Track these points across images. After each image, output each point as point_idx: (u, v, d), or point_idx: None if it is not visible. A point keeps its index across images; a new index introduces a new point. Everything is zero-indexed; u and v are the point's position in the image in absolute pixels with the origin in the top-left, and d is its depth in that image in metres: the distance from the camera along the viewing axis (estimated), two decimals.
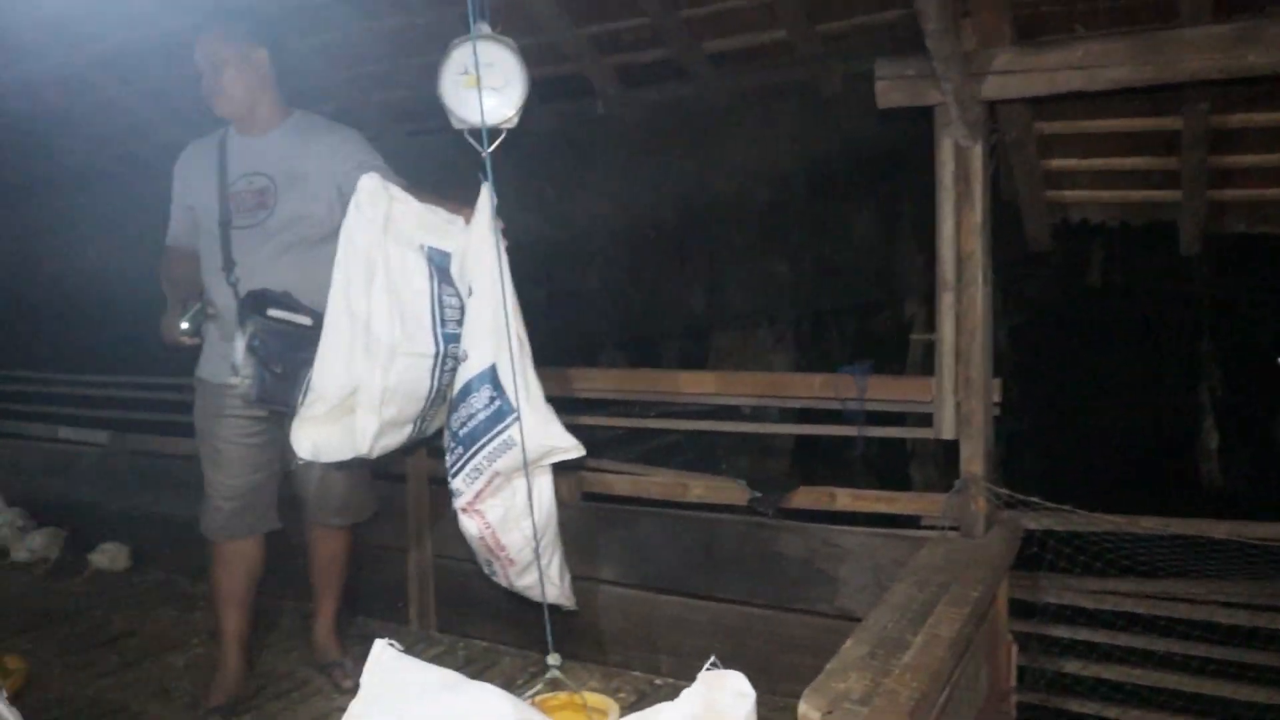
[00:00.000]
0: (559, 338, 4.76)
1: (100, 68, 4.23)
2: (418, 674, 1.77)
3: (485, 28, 2.60)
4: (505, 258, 2.50)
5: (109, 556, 4.29)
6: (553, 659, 2.08)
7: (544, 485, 2.61)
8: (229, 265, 2.74)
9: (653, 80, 3.76)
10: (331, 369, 2.49)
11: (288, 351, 2.57)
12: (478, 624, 3.38)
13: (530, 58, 3.79)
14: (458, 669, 3.12)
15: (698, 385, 3.03)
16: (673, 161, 3.94)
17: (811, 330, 5.43)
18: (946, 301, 2.47)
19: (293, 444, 2.53)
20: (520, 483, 2.57)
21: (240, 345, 2.59)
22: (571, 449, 2.51)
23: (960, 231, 2.43)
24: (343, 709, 2.94)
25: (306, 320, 2.62)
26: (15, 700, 3.05)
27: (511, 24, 3.63)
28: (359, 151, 2.78)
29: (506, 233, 2.54)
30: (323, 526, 3.08)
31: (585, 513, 3.19)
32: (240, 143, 2.83)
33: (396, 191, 2.52)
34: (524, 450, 2.46)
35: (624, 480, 3.19)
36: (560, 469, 3.25)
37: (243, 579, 2.95)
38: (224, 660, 2.97)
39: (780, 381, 2.90)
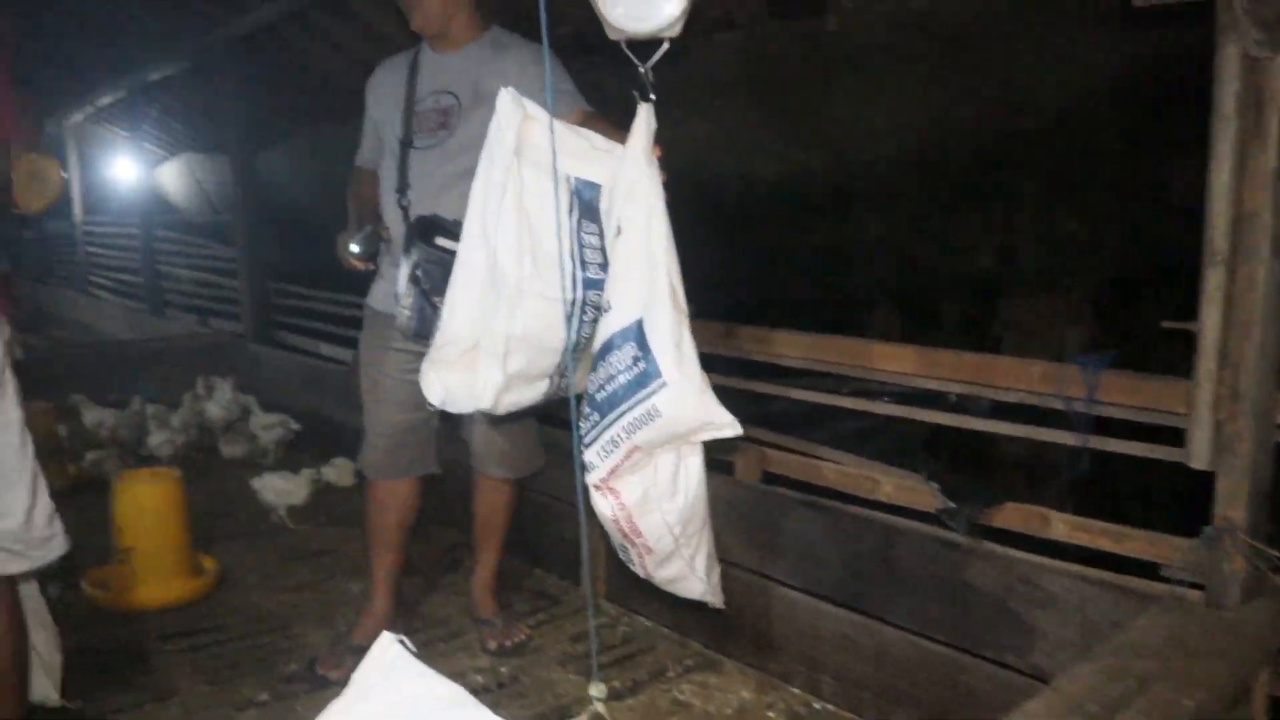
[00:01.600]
0: (820, 292, 4.30)
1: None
2: (421, 684, 1.45)
3: None
4: (661, 192, 2.07)
5: (337, 471, 4.43)
6: (596, 690, 1.71)
7: (692, 465, 2.19)
8: (403, 187, 2.61)
9: None
10: (462, 307, 2.21)
11: None
12: (646, 600, 3.07)
13: None
14: (613, 646, 2.93)
15: (893, 361, 2.49)
16: (923, 87, 3.31)
17: (1118, 300, 4.55)
18: (1213, 281, 1.78)
19: (423, 387, 2.30)
20: (664, 460, 2.16)
21: (404, 274, 2.42)
22: (726, 426, 2.06)
23: (1242, 181, 1.72)
24: (482, 670, 2.87)
25: None
26: (199, 600, 3.23)
27: None
28: (553, 74, 2.46)
29: (665, 162, 2.11)
30: (485, 476, 2.92)
31: (763, 496, 2.77)
32: (431, 59, 2.67)
33: (533, 108, 2.16)
34: (669, 422, 2.04)
35: (808, 465, 2.73)
36: (740, 444, 2.90)
37: (395, 521, 2.84)
38: (371, 601, 2.89)
39: (992, 366, 2.29)
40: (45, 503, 1.98)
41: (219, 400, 5.23)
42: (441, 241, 2.42)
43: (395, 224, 2.60)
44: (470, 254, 2.20)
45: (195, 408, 5.19)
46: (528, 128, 2.16)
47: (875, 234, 4.25)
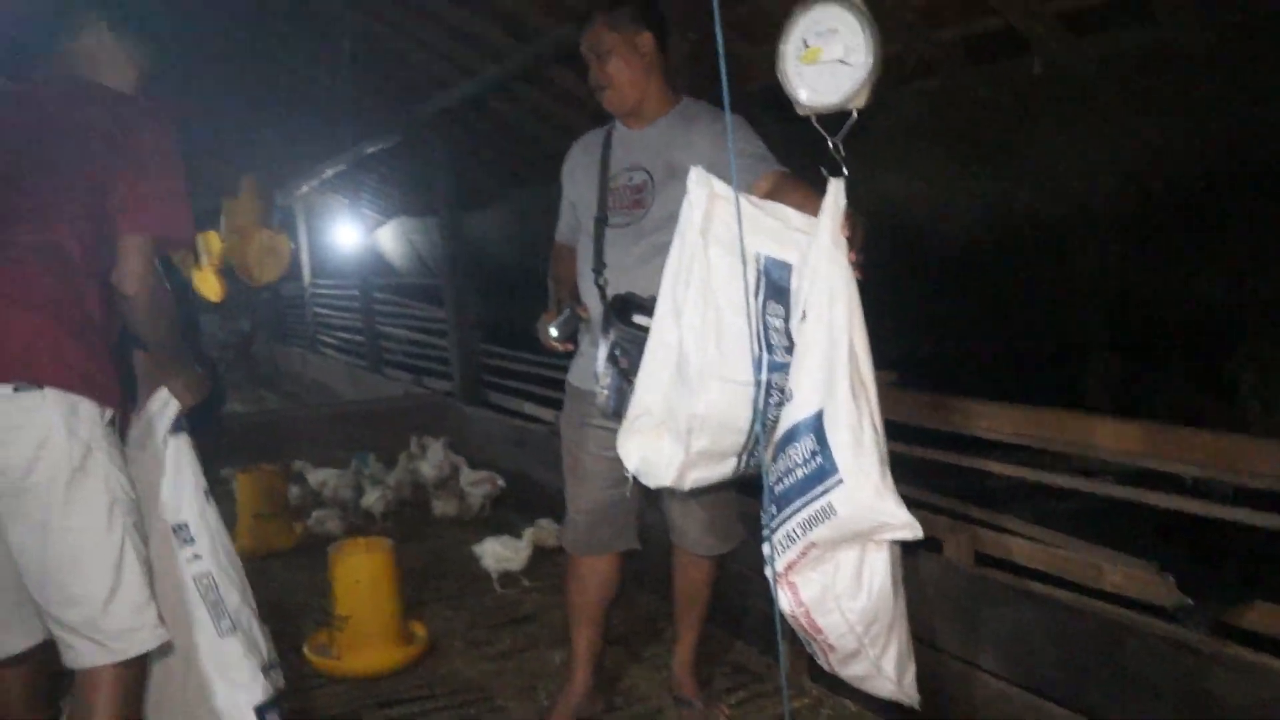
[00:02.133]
0: (1032, 336, 4.06)
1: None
2: None
3: None
4: (847, 275, 1.97)
5: (545, 533, 4.51)
6: None
7: (877, 562, 2.06)
8: (599, 266, 2.62)
9: (1104, 27, 2.93)
10: (654, 381, 2.20)
11: None
12: None
13: (944, 13, 3.24)
14: None
15: (1118, 439, 2.28)
16: (1141, 122, 3.06)
17: None
18: None
19: (620, 454, 2.29)
20: (846, 556, 2.05)
21: (602, 353, 2.44)
22: (905, 529, 1.94)
23: None
24: None
25: None
26: (411, 667, 3.34)
27: None
28: (741, 139, 2.46)
29: (856, 242, 1.98)
30: (684, 551, 2.88)
31: (974, 581, 2.59)
32: (624, 136, 2.68)
33: (721, 187, 2.12)
34: (844, 521, 1.95)
35: (1025, 547, 2.54)
36: (950, 521, 2.73)
37: (595, 597, 2.84)
38: (572, 675, 2.90)
39: (1236, 448, 2.05)
40: (134, 594, 1.87)
41: (431, 459, 5.46)
42: (638, 319, 2.40)
43: (593, 303, 2.60)
44: (663, 332, 2.18)
45: (409, 466, 5.45)
46: (715, 206, 2.12)
47: (1089, 277, 3.96)
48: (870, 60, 1.83)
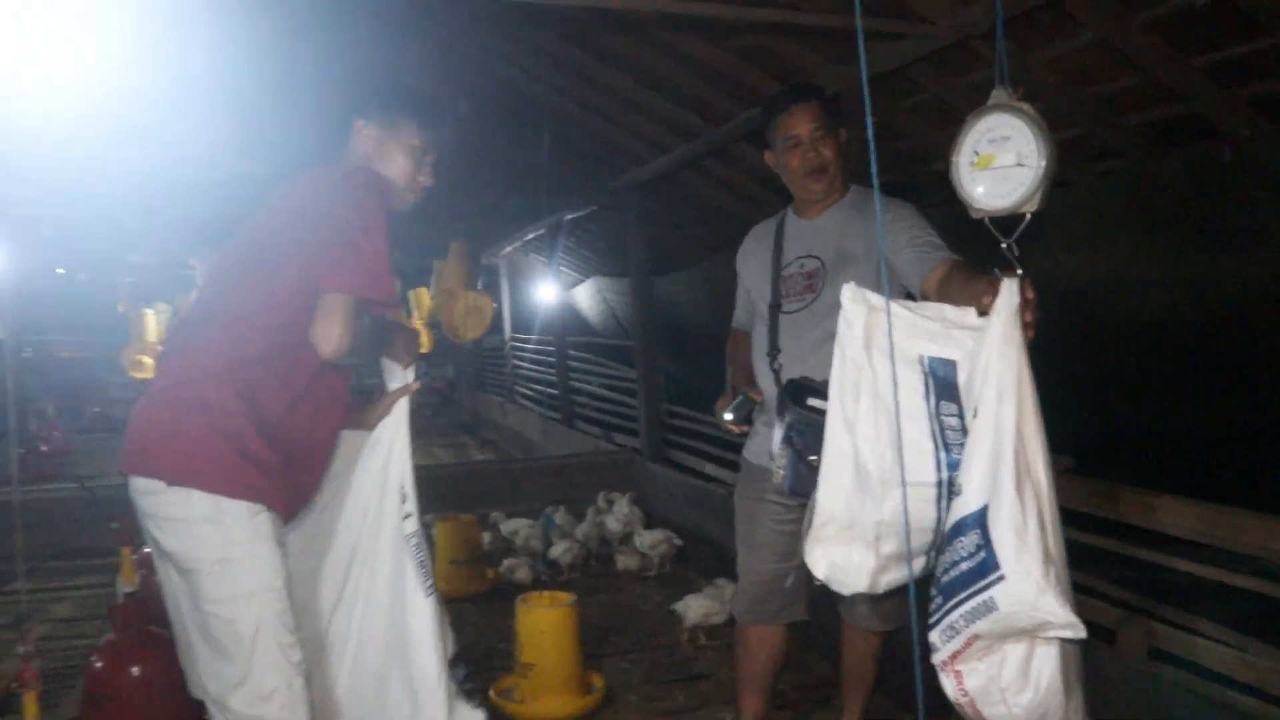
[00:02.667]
0: (1233, 429, 3.92)
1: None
2: None
3: (1002, 94, 2.18)
4: (1019, 372, 2.02)
5: (719, 591, 4.63)
6: None
7: (1045, 658, 2.07)
8: (773, 351, 2.73)
9: None
10: (835, 489, 2.27)
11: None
12: None
13: (1130, 99, 3.23)
14: None
15: None
16: None
17: None
18: None
19: (808, 561, 2.39)
20: (1014, 649, 2.08)
21: (778, 435, 2.54)
22: (1067, 627, 1.94)
23: None
24: None
25: None
26: (589, 716, 3.53)
27: (1098, 65, 3.13)
28: (912, 227, 2.53)
29: (1034, 325, 1.93)
30: (853, 626, 2.94)
31: (1148, 678, 2.55)
32: (796, 225, 2.79)
33: (876, 299, 2.22)
34: (1005, 616, 1.98)
35: (1206, 648, 2.48)
36: (1126, 614, 2.68)
37: (763, 664, 2.94)
38: None
39: None
40: (261, 685, 1.92)
41: (617, 514, 5.70)
42: (813, 402, 2.48)
43: (768, 386, 2.70)
44: (837, 439, 2.23)
45: (596, 520, 5.71)
46: (874, 319, 2.20)
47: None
48: (1043, 164, 1.89)
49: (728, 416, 2.74)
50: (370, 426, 2.31)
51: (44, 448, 9.80)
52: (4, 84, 2.78)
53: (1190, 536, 2.51)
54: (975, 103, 1.86)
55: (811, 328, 2.63)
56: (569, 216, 7.55)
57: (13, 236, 6.06)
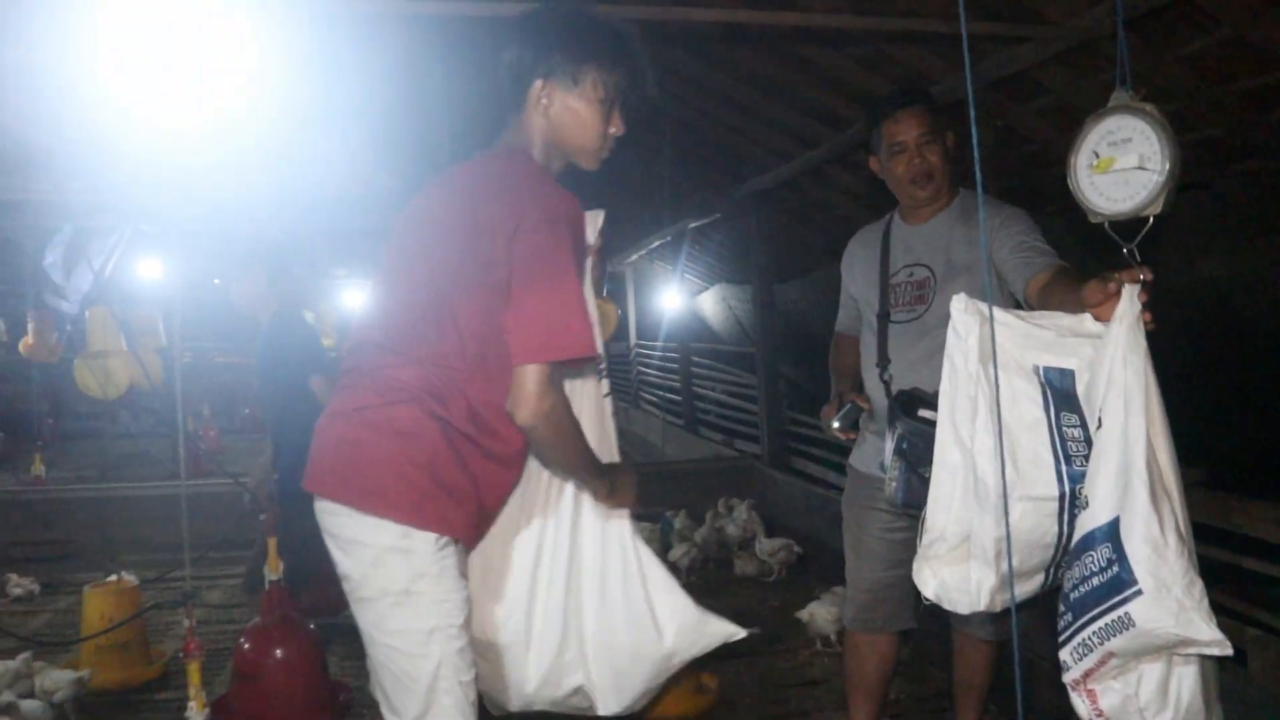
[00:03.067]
0: None
1: None
2: None
3: (1124, 96, 2.12)
4: (1143, 380, 1.96)
5: (835, 599, 4.61)
6: None
7: (1186, 676, 1.97)
8: (883, 361, 2.70)
9: None
10: (945, 507, 2.22)
11: None
12: None
13: (1270, 96, 3.09)
14: None
15: None
16: None
17: None
18: None
19: (917, 583, 2.37)
20: (1151, 667, 1.99)
21: (889, 446, 2.53)
22: (1213, 646, 1.84)
23: None
24: None
25: None
26: (699, 716, 3.56)
27: (1233, 61, 3.01)
28: (1019, 232, 2.47)
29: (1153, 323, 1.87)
30: (965, 634, 2.91)
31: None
32: (902, 231, 2.74)
33: (986, 310, 2.19)
34: (1143, 633, 1.90)
35: None
36: (1262, 637, 2.57)
37: (873, 672, 2.93)
38: None
39: None
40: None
41: (736, 519, 5.74)
42: (924, 414, 2.46)
43: (878, 396, 2.68)
44: (946, 454, 2.17)
45: (715, 525, 5.75)
46: (988, 331, 2.16)
47: None
48: (1167, 166, 1.84)
49: (835, 425, 2.73)
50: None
51: (201, 446, 10.46)
52: (168, 110, 3.02)
53: None
54: (1102, 103, 1.84)
55: (922, 338, 2.61)
56: (693, 224, 7.62)
57: (179, 250, 6.52)
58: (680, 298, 9.91)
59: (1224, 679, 2.02)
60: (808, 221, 6.90)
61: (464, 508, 1.86)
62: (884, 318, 2.69)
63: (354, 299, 10.25)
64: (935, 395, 2.35)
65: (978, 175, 1.66)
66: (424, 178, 2.05)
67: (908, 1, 3.41)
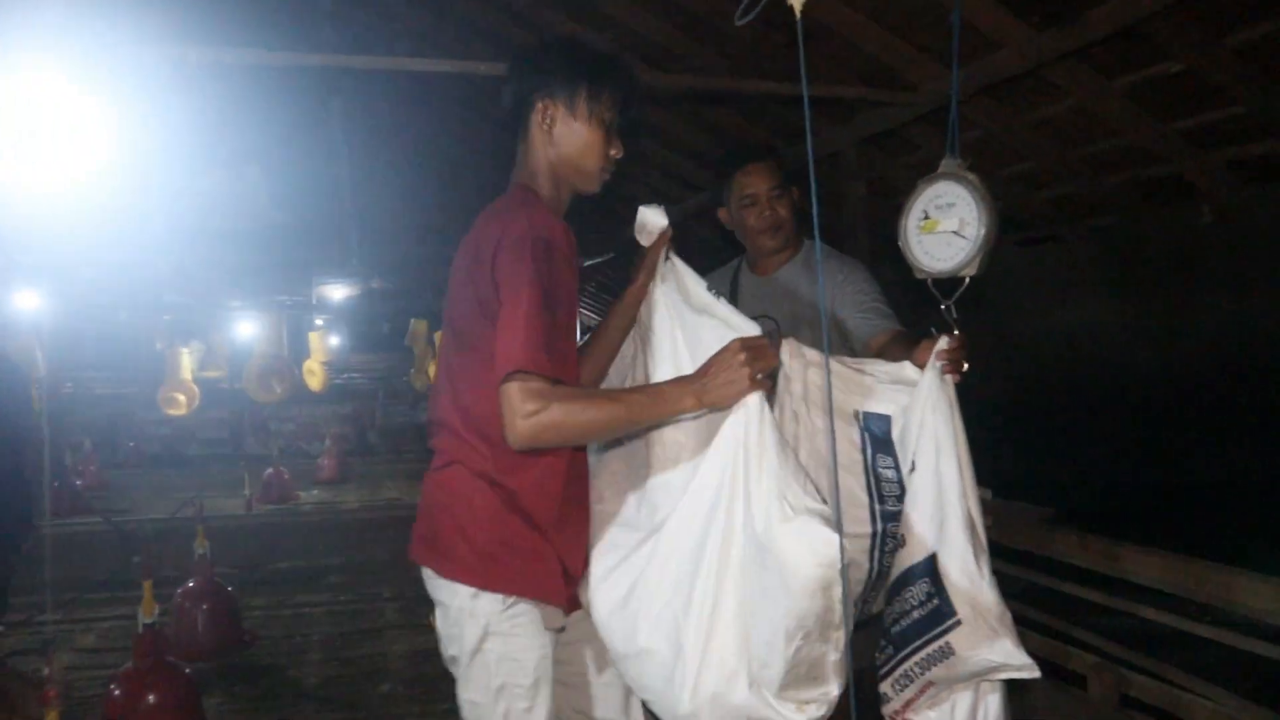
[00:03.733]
0: (1217, 487, 3.99)
1: None
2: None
3: (951, 164, 2.28)
4: (949, 428, 2.10)
5: None
6: None
7: (992, 704, 2.14)
8: None
9: (1275, 177, 2.97)
10: None
11: None
12: None
13: (1113, 159, 3.35)
14: None
15: (1255, 596, 2.29)
16: None
17: None
18: None
19: None
20: (961, 696, 2.15)
21: None
22: (1024, 669, 2.02)
23: None
24: None
25: None
26: None
27: (1081, 128, 3.26)
28: (858, 291, 2.57)
29: (960, 357, 2.01)
30: None
31: None
32: (751, 281, 2.79)
33: (811, 354, 2.31)
34: (962, 661, 2.06)
35: (1171, 695, 2.55)
36: (1098, 662, 2.75)
37: None
38: None
39: None
40: None
41: None
42: None
43: None
44: None
45: None
46: (811, 375, 2.30)
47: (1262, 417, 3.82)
48: (982, 233, 2.00)
49: None
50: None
51: (79, 482, 10.05)
52: (49, 139, 2.99)
53: (1156, 585, 2.59)
54: (965, 161, 1.97)
55: None
56: (588, 263, 7.75)
57: (56, 277, 6.34)
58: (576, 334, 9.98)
59: (1065, 702, 2.18)
60: (694, 264, 7.05)
61: (534, 565, 1.83)
62: None
63: (248, 329, 10.03)
64: None
65: (816, 232, 1.79)
66: (318, 216, 2.03)
67: (785, 66, 3.59)
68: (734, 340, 1.81)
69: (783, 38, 3.21)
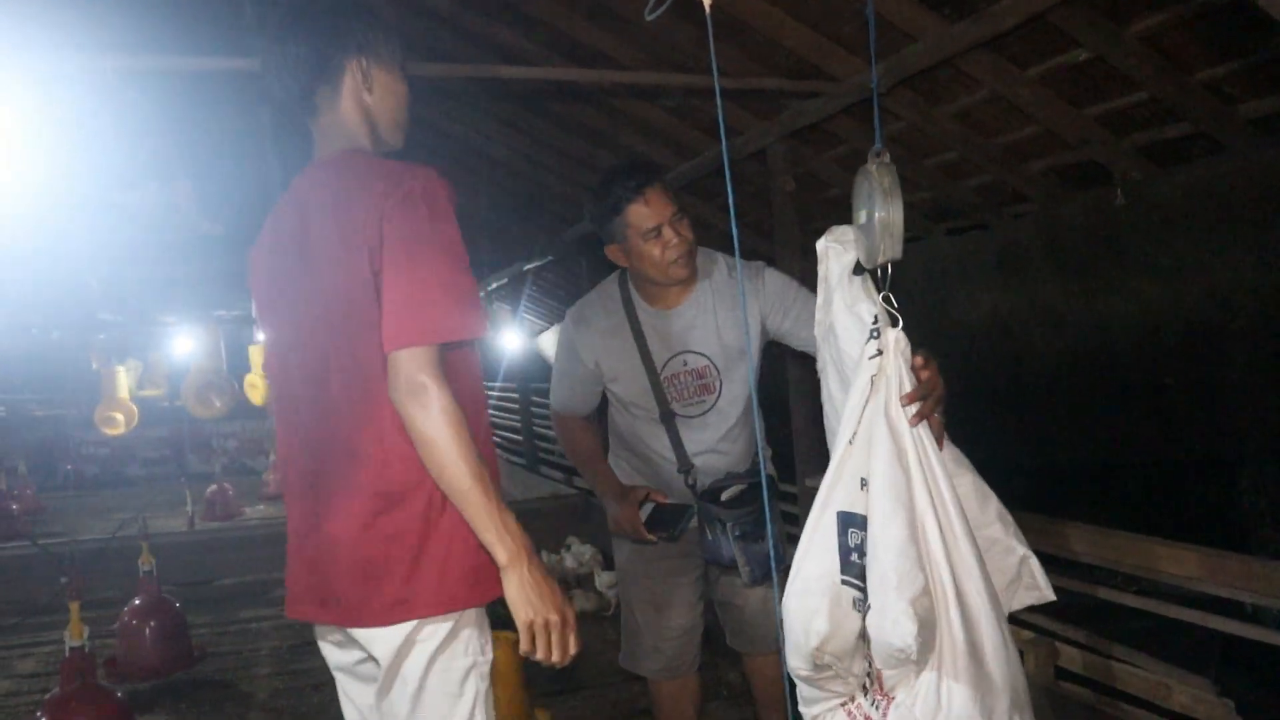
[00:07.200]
0: (1146, 459, 4.10)
1: None
2: None
3: (871, 156, 2.26)
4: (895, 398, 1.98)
5: None
6: None
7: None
8: (686, 466, 2.53)
9: (1184, 158, 3.07)
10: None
11: None
12: None
13: (1031, 148, 3.43)
14: None
15: (1177, 565, 2.37)
16: (1217, 255, 3.15)
17: None
18: None
19: (893, 630, 2.03)
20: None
21: (724, 540, 2.40)
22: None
23: None
24: None
25: None
26: None
27: (998, 117, 3.34)
28: (794, 301, 2.41)
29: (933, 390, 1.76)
30: (759, 655, 2.76)
31: (1053, 695, 2.68)
32: (655, 317, 2.48)
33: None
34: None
35: (1101, 665, 2.62)
36: (1034, 638, 2.82)
37: (692, 713, 2.79)
38: None
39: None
40: None
41: (576, 555, 5.81)
42: (727, 497, 2.40)
43: (684, 498, 2.47)
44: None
45: (554, 560, 5.82)
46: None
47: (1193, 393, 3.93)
48: (875, 220, 1.94)
49: (661, 534, 2.39)
50: None
51: (15, 506, 9.81)
52: None
53: (1085, 560, 2.66)
54: (892, 153, 1.97)
55: (718, 423, 2.49)
56: (526, 267, 7.74)
57: None
58: (519, 338, 9.98)
59: None
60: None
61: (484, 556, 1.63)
62: (669, 416, 2.47)
63: (186, 345, 9.86)
64: (726, 475, 2.44)
65: (735, 244, 1.74)
66: (253, 224, 1.89)
67: (708, 62, 3.62)
68: (569, 614, 1.64)
69: (701, 32, 3.25)
